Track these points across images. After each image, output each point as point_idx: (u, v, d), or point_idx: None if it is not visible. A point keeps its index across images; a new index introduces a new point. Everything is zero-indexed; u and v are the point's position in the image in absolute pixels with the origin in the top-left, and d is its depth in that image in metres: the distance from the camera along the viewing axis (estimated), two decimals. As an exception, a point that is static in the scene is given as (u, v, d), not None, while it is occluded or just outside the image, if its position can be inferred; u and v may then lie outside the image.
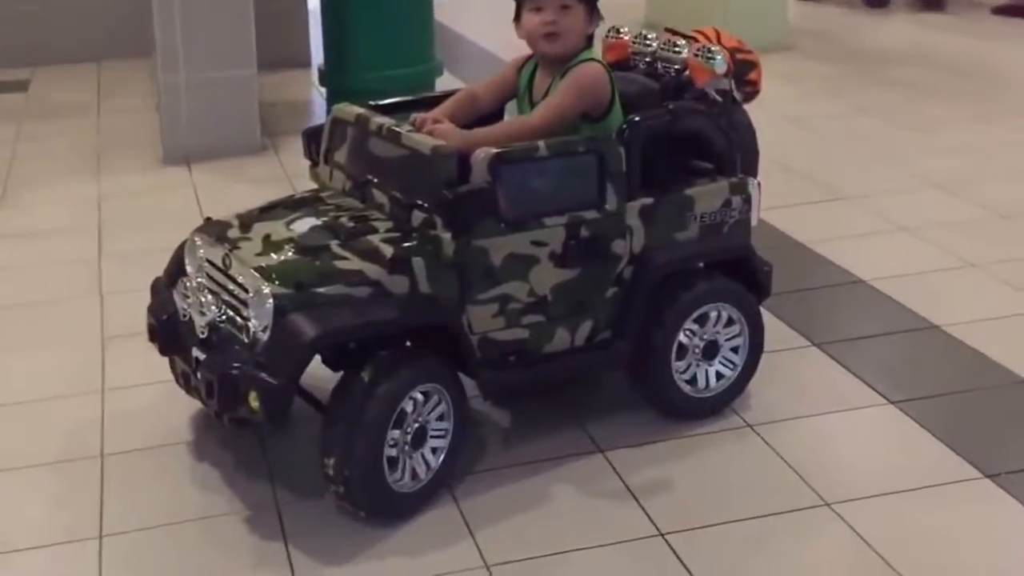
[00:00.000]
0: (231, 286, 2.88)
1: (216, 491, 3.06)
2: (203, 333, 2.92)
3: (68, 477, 3.16)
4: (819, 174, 5.40)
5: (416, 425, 2.87)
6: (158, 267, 3.28)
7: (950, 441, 3.19)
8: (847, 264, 4.36)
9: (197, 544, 2.87)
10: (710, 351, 3.29)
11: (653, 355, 3.19)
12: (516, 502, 2.97)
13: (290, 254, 2.87)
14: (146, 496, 3.06)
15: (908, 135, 6.02)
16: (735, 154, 3.29)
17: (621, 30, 3.58)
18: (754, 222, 3.34)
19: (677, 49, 3.39)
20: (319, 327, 2.71)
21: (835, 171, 5.44)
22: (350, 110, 3.21)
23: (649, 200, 3.13)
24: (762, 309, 3.39)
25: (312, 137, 3.33)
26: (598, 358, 3.19)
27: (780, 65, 7.11)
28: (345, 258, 2.83)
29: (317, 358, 2.84)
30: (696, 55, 3.30)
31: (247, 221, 3.05)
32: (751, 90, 3.49)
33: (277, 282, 2.78)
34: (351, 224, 2.95)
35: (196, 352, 2.92)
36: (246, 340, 2.81)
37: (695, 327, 3.24)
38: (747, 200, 3.29)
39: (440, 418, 2.92)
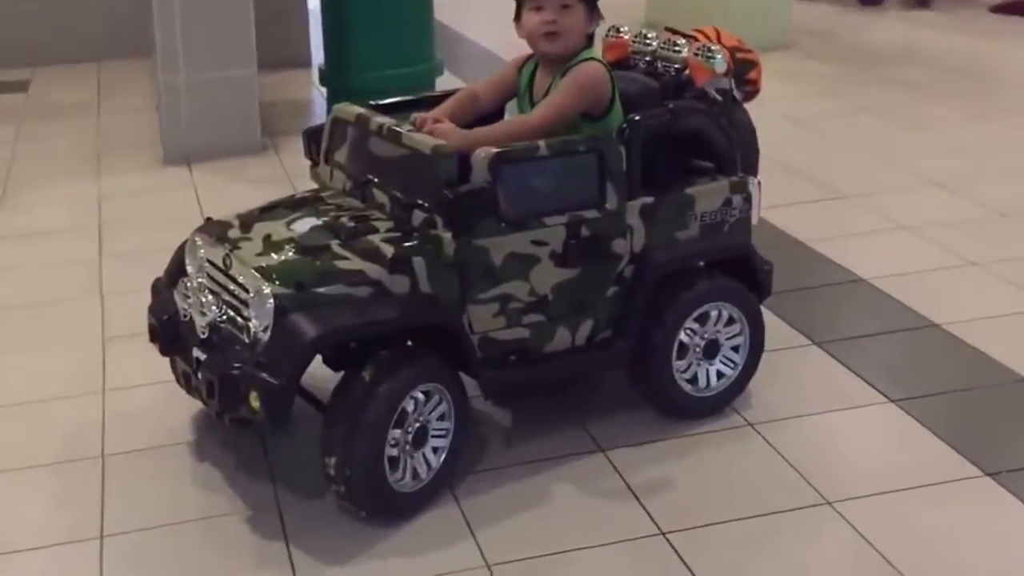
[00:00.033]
0: (232, 286, 2.88)
1: (217, 491, 3.06)
2: (204, 333, 2.92)
3: (69, 478, 3.16)
4: (819, 173, 5.40)
5: (417, 425, 2.87)
6: (158, 267, 3.28)
7: (951, 439, 3.19)
8: (847, 263, 4.36)
9: (198, 544, 2.87)
10: (711, 350, 3.29)
11: (654, 354, 3.19)
12: (517, 501, 2.97)
13: (291, 254, 2.87)
14: (147, 496, 3.06)
15: (908, 134, 6.03)
16: (735, 153, 3.30)
17: (621, 29, 3.58)
18: (754, 221, 3.34)
19: (677, 48, 3.39)
20: (320, 327, 2.71)
21: (835, 170, 5.44)
22: (350, 110, 3.21)
23: (649, 199, 3.13)
24: (763, 308, 3.39)
25: (312, 137, 3.33)
26: (599, 357, 3.19)
27: (780, 64, 7.12)
28: (346, 258, 2.83)
29: (318, 358, 2.84)
30: (696, 54, 3.30)
31: (248, 221, 3.05)
32: (751, 89, 3.49)
33: (278, 282, 2.78)
34: (352, 224, 2.95)
35: (197, 352, 2.92)
36: (247, 340, 2.81)
37: (696, 326, 3.24)
38: (747, 199, 3.29)
39: (441, 418, 2.93)
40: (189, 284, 3.02)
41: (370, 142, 3.11)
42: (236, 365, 2.75)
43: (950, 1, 9.18)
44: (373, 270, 2.82)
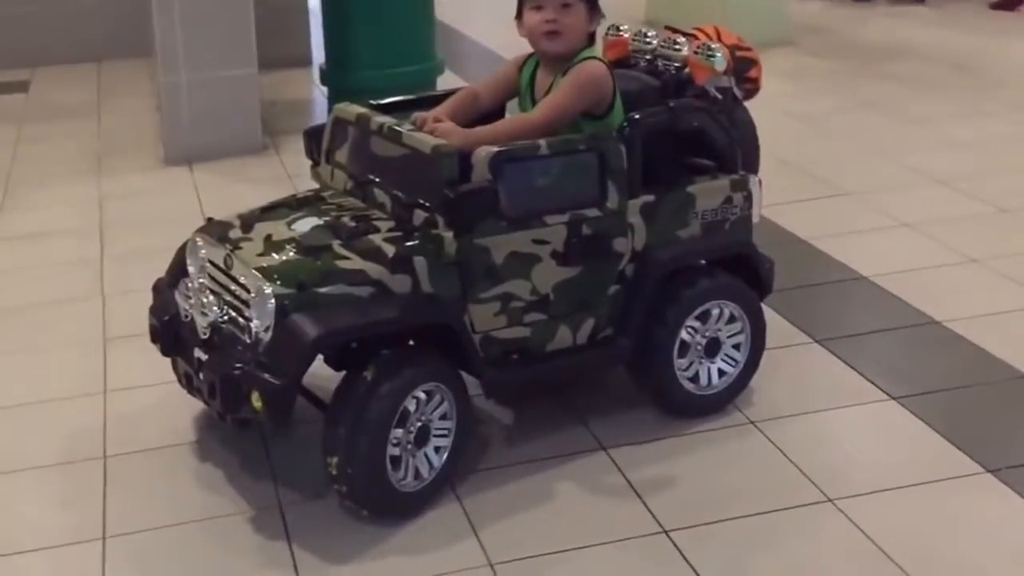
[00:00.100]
0: (233, 286, 2.88)
1: (219, 491, 3.07)
2: (205, 334, 2.92)
3: (71, 478, 3.17)
4: (820, 170, 5.40)
5: (419, 424, 2.88)
6: (160, 268, 3.28)
7: (952, 436, 3.19)
8: (848, 260, 4.36)
9: (201, 545, 2.87)
10: (712, 348, 3.29)
11: (655, 353, 3.19)
12: (519, 500, 2.97)
13: (292, 254, 2.87)
14: (149, 497, 3.06)
15: (909, 130, 6.03)
16: (736, 151, 3.30)
17: (621, 28, 3.58)
18: (755, 219, 3.34)
19: (677, 47, 3.39)
20: (321, 327, 2.71)
21: (836, 167, 5.44)
22: (351, 109, 3.21)
23: (650, 198, 3.13)
24: (764, 306, 3.39)
25: (313, 136, 3.33)
26: (600, 356, 3.19)
27: (780, 61, 7.12)
28: (347, 258, 2.84)
29: (319, 358, 2.84)
30: (696, 53, 3.30)
31: (249, 221, 3.05)
32: (751, 87, 3.49)
33: (279, 282, 2.78)
34: (353, 224, 2.95)
35: (198, 353, 2.92)
36: (248, 340, 2.81)
37: (697, 324, 3.24)
38: (748, 197, 3.29)
39: (443, 417, 2.93)
40: (190, 284, 3.02)
41: (371, 142, 3.11)
42: (238, 365, 2.76)
43: None
44: (374, 270, 2.82)
